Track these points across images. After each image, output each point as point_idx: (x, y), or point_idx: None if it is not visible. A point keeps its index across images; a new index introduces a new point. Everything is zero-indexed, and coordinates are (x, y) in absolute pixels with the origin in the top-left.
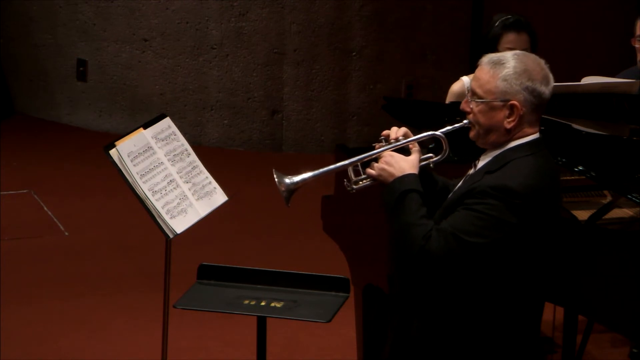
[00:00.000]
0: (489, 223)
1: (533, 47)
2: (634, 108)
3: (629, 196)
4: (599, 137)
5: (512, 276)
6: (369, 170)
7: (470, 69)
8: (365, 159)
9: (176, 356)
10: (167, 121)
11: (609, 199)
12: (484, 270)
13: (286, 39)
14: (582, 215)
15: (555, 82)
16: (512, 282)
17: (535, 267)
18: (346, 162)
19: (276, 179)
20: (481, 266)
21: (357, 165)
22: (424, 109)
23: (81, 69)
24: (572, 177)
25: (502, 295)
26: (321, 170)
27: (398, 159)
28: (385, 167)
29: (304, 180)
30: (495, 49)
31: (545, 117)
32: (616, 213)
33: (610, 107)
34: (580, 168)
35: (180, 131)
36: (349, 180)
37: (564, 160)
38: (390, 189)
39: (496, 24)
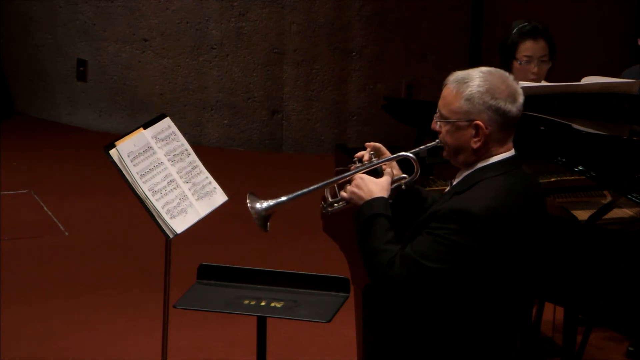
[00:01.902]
0: (449, 248)
1: (551, 54)
2: (634, 108)
3: (629, 196)
4: (599, 137)
5: (478, 300)
6: (342, 193)
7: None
8: (339, 181)
9: (176, 356)
10: (167, 121)
11: (609, 199)
12: (449, 294)
13: (286, 39)
14: (582, 215)
15: (555, 82)
16: (478, 305)
17: (503, 289)
18: (319, 185)
19: (249, 204)
20: (445, 291)
21: (334, 187)
22: (424, 109)
23: (81, 69)
24: (572, 177)
25: (470, 319)
26: (294, 194)
27: (368, 182)
28: (356, 190)
29: (274, 206)
30: (513, 57)
31: (545, 117)
32: (616, 213)
33: (610, 107)
34: (580, 168)
35: (180, 131)
36: (325, 202)
37: (564, 160)
38: (359, 213)
39: (513, 32)
